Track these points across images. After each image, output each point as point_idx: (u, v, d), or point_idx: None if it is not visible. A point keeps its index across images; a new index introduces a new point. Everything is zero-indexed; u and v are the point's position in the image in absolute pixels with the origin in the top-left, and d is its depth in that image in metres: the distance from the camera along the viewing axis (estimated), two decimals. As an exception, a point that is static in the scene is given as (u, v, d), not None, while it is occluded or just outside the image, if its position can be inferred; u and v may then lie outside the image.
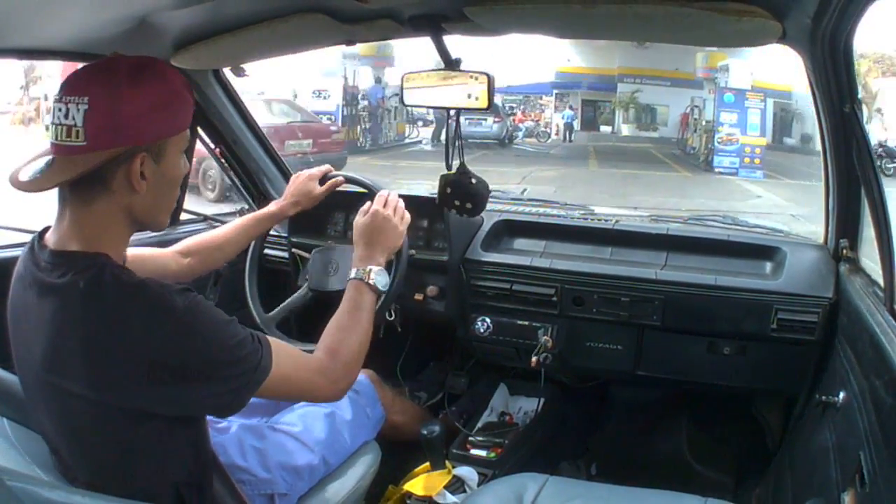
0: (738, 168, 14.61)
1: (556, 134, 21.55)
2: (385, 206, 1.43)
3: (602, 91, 22.79)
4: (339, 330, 1.23)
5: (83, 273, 0.94)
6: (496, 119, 17.27)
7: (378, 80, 18.22)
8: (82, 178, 0.94)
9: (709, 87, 17.84)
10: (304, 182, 1.68)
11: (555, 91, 23.58)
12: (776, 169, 14.60)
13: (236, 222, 1.66)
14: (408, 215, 1.47)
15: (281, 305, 1.83)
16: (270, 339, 1.06)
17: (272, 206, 1.68)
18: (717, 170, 14.65)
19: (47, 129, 0.96)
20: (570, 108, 22.16)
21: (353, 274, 1.32)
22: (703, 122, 16.37)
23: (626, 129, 22.31)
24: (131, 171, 0.96)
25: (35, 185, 0.95)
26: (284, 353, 1.08)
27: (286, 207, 1.67)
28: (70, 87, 0.94)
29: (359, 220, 1.42)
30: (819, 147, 1.61)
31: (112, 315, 0.93)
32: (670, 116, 20.95)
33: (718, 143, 15.06)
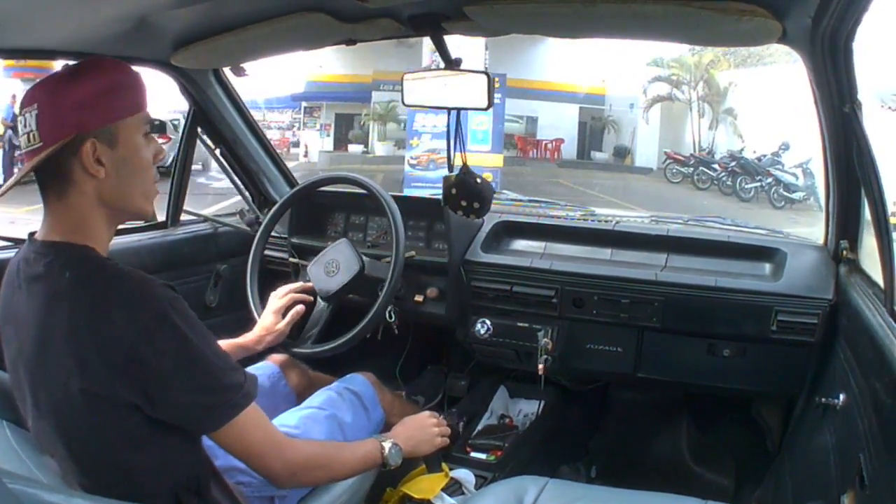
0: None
1: (306, 156, 17.89)
2: (436, 420, 1.52)
3: (359, 102, 18.30)
4: (332, 456, 1.24)
5: (69, 264, 0.98)
6: (164, 140, 12.79)
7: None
8: (46, 176, 0.99)
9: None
10: (268, 318, 1.69)
11: (302, 104, 19.57)
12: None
13: None
14: (447, 439, 1.52)
15: (305, 328, 1.81)
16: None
17: (244, 339, 1.66)
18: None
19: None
20: (324, 126, 18.83)
21: (380, 438, 1.37)
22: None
23: (380, 148, 17.90)
24: (83, 158, 0.99)
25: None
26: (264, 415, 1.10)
27: (251, 344, 1.66)
28: (24, 101, 1.00)
29: (422, 413, 1.54)
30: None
31: (96, 304, 0.95)
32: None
33: (411, 164, 9.96)
